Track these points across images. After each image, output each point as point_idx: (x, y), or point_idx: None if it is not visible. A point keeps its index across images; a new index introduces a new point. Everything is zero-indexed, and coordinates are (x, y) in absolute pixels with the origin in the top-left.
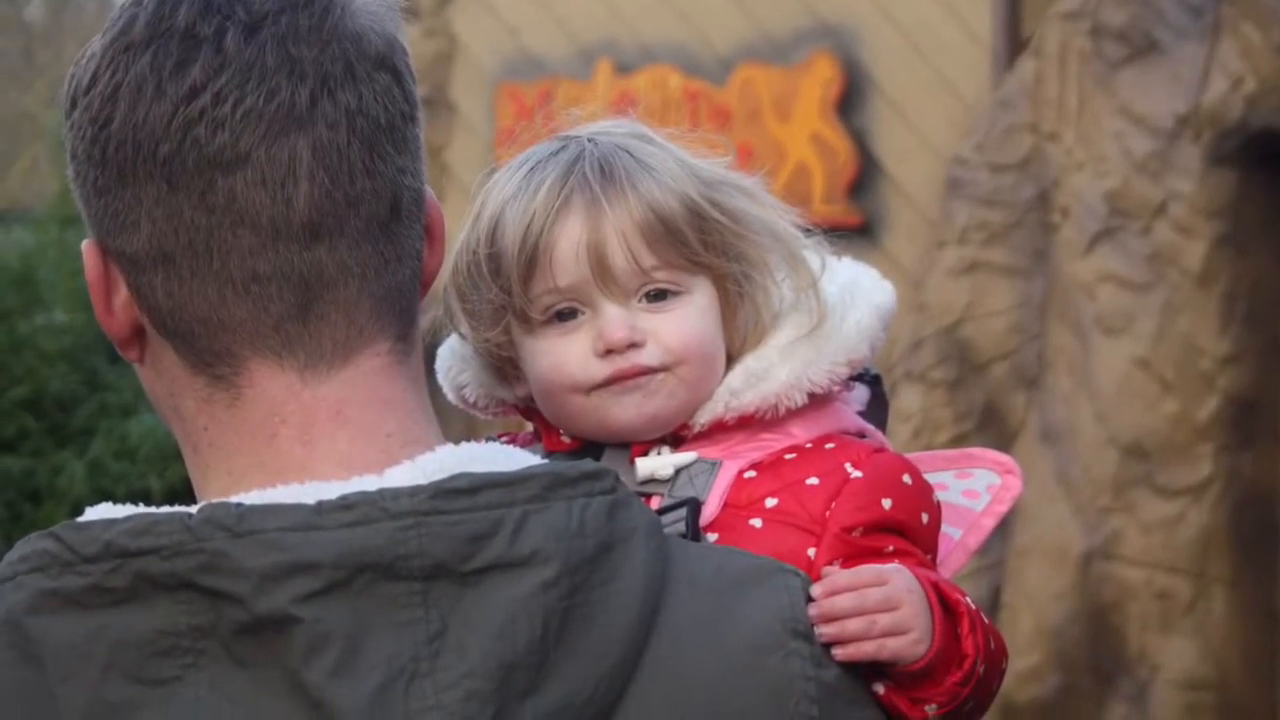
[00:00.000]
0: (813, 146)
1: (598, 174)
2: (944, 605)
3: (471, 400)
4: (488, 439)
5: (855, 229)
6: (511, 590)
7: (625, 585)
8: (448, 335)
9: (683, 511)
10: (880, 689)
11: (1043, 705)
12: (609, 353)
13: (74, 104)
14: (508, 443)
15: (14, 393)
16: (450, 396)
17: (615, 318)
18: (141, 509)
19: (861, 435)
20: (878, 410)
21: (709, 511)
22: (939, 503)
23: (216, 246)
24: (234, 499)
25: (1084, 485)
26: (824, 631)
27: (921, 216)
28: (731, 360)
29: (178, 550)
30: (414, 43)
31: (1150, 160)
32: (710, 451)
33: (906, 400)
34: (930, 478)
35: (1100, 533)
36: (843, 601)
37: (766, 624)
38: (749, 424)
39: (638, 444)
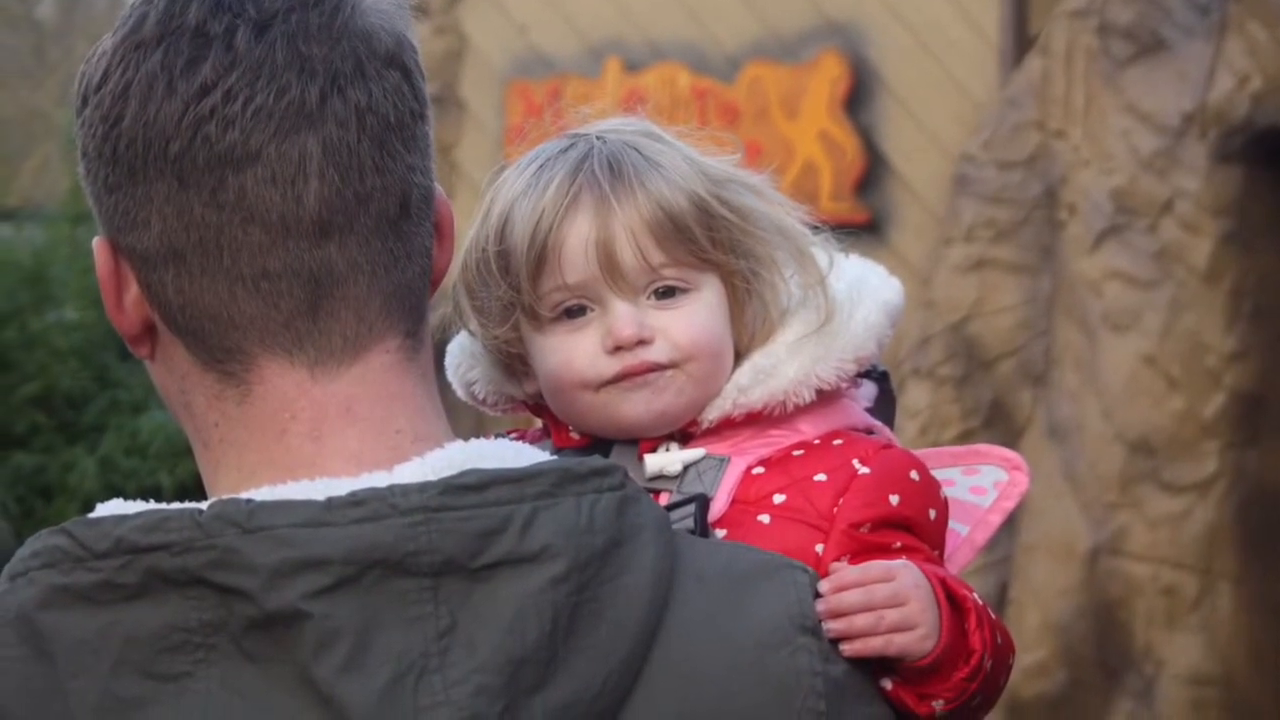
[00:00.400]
0: (820, 144)
1: (606, 172)
2: (951, 601)
3: (481, 397)
4: (497, 435)
5: (863, 226)
6: (521, 586)
7: (634, 581)
8: (457, 332)
9: (691, 508)
10: (888, 684)
11: (1049, 700)
12: (618, 349)
13: (85, 102)
14: (517, 439)
15: (25, 389)
16: (459, 393)
17: (624, 315)
18: (152, 505)
19: (869, 432)
20: (885, 407)
21: (717, 507)
22: (946, 499)
23: (227, 243)
24: (244, 495)
25: (1091, 481)
26: (832, 627)
27: (929, 214)
28: (740, 357)
29: (188, 546)
30: (423, 40)
31: (1156, 158)
32: (718, 448)
33: (914, 397)
34: (937, 474)
35: (1107, 529)
36: (850, 597)
37: (774, 620)
38: (757, 420)
39: (646, 440)
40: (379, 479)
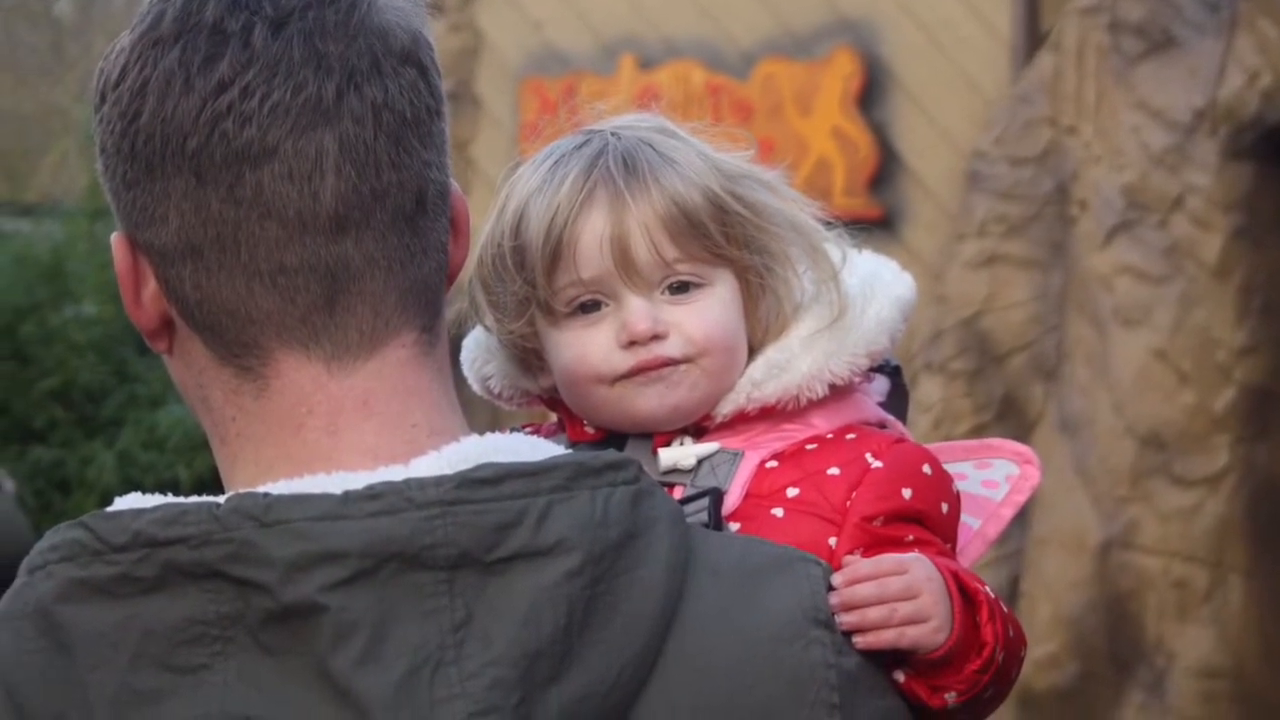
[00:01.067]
0: (834, 140)
1: (621, 168)
2: (963, 594)
3: (496, 391)
4: (512, 429)
5: (875, 222)
6: (536, 579)
7: (648, 574)
8: (473, 327)
9: (705, 501)
10: (900, 677)
11: (1061, 693)
12: (632, 344)
13: (103, 98)
14: (532, 433)
15: (44, 384)
16: (475, 387)
17: (638, 309)
18: (170, 499)
19: (882, 426)
20: (898, 401)
21: (731, 501)
22: (958, 492)
23: (244, 239)
24: (261, 489)
25: (1102, 475)
26: (845, 620)
27: (941, 210)
28: (753, 352)
29: (206, 539)
30: (439, 38)
31: (1167, 154)
32: (732, 442)
33: (926, 391)
34: (950, 468)
35: (1118, 522)
36: (863, 590)
37: (788, 613)
38: (770, 414)
39: (660, 434)
40: (395, 473)
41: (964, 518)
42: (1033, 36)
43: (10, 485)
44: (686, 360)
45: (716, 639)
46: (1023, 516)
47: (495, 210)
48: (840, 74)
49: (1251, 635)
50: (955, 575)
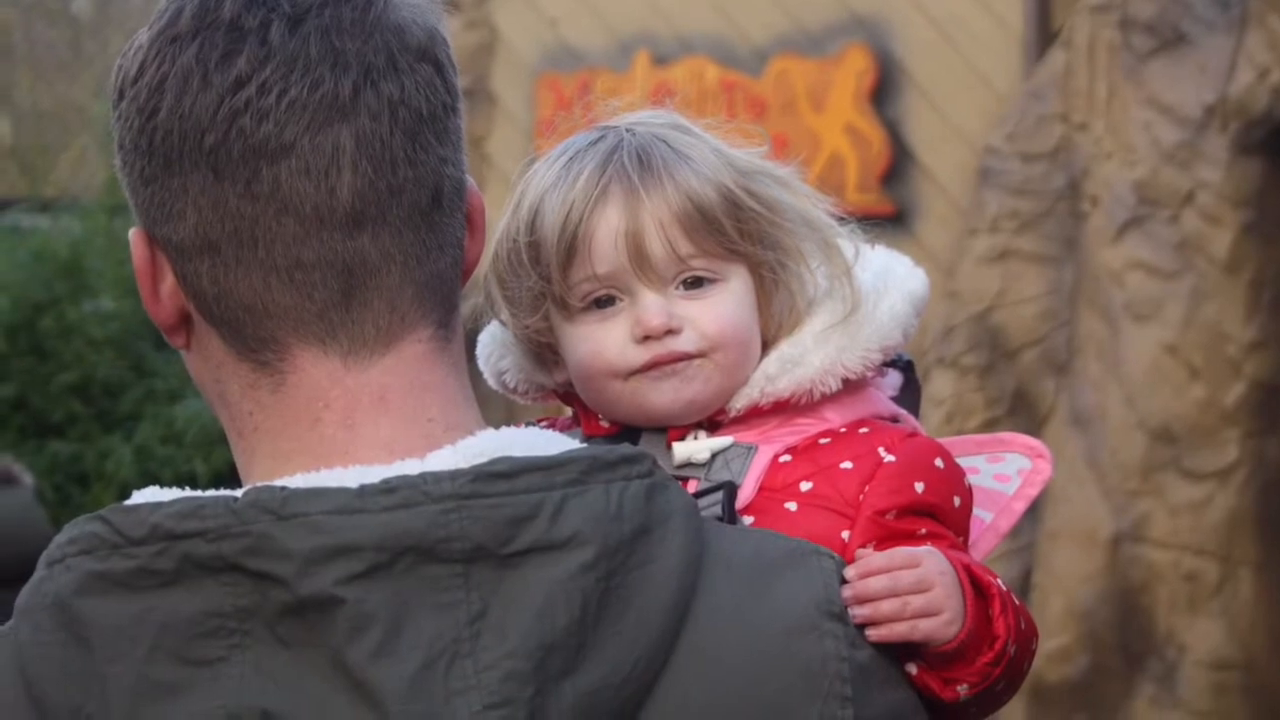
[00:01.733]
0: (847, 137)
1: (635, 164)
2: (975, 587)
3: (512, 385)
4: (527, 424)
5: (888, 218)
6: (551, 572)
7: (662, 568)
8: (488, 322)
9: (719, 495)
10: (913, 669)
11: (1072, 685)
12: (647, 339)
13: (121, 95)
14: (547, 427)
15: (62, 378)
16: (491, 382)
17: (653, 305)
18: (187, 493)
19: (895, 420)
20: (910, 395)
21: (745, 495)
22: (970, 486)
23: (261, 234)
24: (278, 483)
25: (1113, 469)
26: (857, 613)
27: (953, 205)
28: (767, 346)
29: (223, 533)
30: (455, 34)
31: (1178, 150)
32: (746, 436)
33: (939, 386)
34: (962, 462)
35: (1129, 516)
36: (876, 583)
37: (801, 606)
38: (784, 409)
39: (675, 429)
40: (411, 466)
41: (976, 511)
42: (1044, 33)
43: (29, 479)
44: (700, 355)
45: (730, 632)
46: (1034, 510)
47: (510, 206)
48: (853, 71)
49: (1261, 628)
50: (967, 568)
